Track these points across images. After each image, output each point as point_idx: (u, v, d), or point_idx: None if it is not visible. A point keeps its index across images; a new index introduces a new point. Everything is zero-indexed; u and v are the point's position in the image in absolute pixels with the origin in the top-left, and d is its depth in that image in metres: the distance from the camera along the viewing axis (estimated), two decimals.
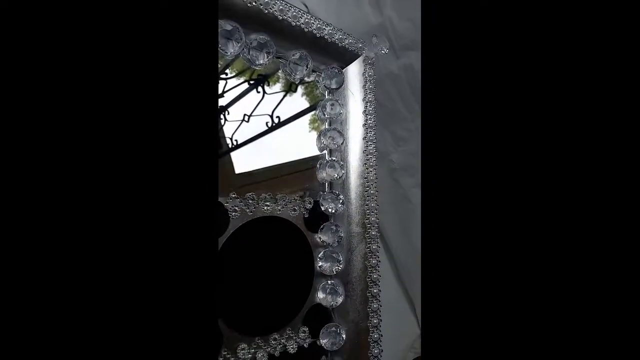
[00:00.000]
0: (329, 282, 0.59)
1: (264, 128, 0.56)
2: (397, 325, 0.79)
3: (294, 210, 0.57)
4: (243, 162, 0.53)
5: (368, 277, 0.59)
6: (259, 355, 0.51)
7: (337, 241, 0.59)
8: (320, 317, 0.58)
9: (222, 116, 0.48)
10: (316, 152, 0.61)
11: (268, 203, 0.54)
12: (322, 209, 0.59)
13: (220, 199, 0.50)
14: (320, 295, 0.58)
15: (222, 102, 0.51)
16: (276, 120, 0.54)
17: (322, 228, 0.59)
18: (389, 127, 0.79)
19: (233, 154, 0.52)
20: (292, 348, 0.54)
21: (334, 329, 0.57)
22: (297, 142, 0.59)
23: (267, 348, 0.52)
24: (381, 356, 0.59)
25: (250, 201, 0.53)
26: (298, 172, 0.60)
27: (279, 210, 0.55)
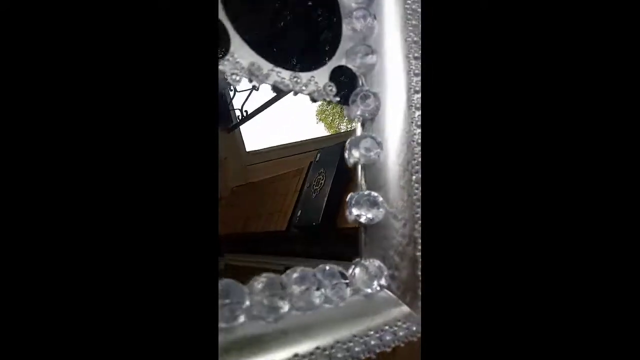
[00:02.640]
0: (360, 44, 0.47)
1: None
2: None
3: None
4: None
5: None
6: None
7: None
8: (348, 82, 0.47)
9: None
10: None
11: None
12: None
13: None
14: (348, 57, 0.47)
15: None
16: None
17: None
18: None
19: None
20: (317, 96, 0.43)
21: (365, 93, 0.46)
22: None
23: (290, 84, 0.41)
24: None
25: None
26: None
27: None
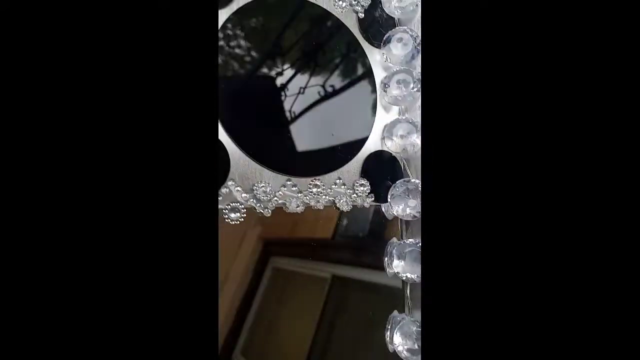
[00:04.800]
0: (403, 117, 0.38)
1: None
2: None
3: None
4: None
5: None
6: (291, 204, 0.32)
7: (411, 56, 0.38)
8: (385, 170, 0.38)
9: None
10: None
11: None
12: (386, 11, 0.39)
13: None
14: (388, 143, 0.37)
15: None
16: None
17: (388, 39, 0.38)
18: None
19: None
20: (345, 206, 0.35)
21: (409, 186, 0.36)
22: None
23: (303, 197, 0.33)
24: None
25: None
26: None
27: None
